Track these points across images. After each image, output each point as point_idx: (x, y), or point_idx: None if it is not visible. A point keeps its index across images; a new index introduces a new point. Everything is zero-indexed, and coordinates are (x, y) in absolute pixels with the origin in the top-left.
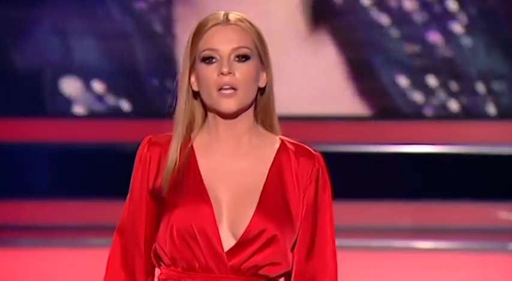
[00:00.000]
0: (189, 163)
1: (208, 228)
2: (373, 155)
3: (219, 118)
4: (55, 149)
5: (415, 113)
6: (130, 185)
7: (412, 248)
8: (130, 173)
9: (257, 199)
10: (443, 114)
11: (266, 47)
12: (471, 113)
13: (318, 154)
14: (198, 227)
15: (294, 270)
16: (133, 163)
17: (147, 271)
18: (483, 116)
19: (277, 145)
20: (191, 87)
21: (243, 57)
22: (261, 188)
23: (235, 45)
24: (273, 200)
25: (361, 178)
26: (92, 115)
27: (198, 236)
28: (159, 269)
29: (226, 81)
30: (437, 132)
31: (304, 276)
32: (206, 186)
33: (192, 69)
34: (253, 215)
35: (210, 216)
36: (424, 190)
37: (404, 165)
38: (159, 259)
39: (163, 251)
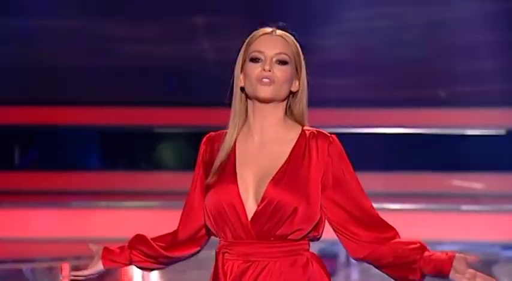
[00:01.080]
0: (231, 152)
1: (235, 202)
2: (358, 135)
3: (255, 108)
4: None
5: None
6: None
7: (384, 208)
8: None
9: (274, 174)
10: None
11: (302, 60)
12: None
13: (333, 135)
14: (226, 203)
15: (339, 226)
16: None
17: (188, 239)
18: (442, 104)
19: (299, 132)
20: (240, 83)
21: (282, 62)
22: (280, 166)
23: (277, 51)
24: (290, 174)
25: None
26: None
27: (227, 210)
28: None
29: (266, 75)
30: (406, 118)
31: (358, 224)
32: (237, 170)
33: (242, 69)
34: (267, 187)
35: (236, 192)
36: (394, 163)
37: (379, 143)
38: (212, 232)
39: (208, 227)
